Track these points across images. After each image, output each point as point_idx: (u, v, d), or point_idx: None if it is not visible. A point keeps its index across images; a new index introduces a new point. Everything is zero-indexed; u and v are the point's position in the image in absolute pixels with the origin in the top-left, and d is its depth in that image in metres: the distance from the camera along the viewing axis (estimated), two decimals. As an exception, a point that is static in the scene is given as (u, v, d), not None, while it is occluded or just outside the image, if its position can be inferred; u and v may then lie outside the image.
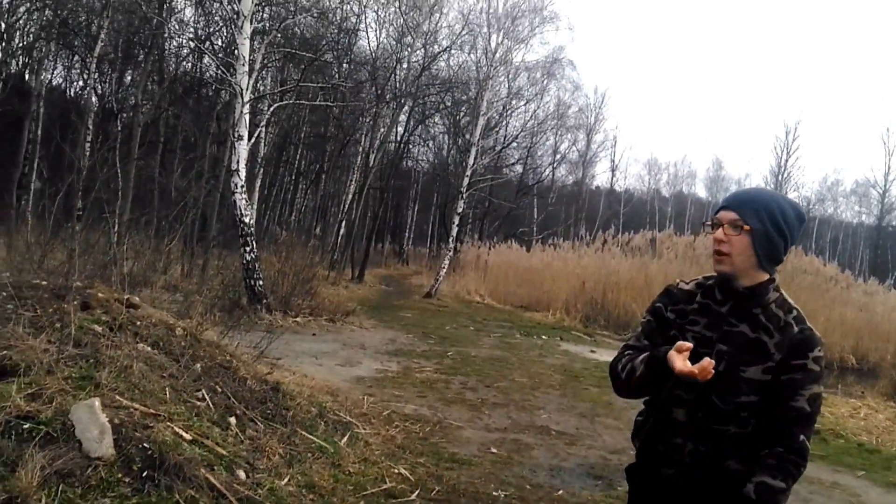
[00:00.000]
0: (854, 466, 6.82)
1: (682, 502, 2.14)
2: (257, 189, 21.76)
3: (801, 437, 2.02)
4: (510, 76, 29.56)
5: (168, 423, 4.26)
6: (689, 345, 1.99)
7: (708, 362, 1.95)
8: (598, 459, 6.12)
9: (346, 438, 5.47)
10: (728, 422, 2.08)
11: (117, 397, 4.20)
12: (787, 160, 61.21)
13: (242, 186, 12.63)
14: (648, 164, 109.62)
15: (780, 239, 2.12)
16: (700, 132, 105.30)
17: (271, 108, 18.23)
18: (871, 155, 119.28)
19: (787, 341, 2.07)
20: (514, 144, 37.48)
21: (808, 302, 18.56)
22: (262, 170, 22.39)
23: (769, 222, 2.10)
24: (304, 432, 5.26)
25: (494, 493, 4.91)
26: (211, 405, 4.87)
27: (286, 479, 4.47)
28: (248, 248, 12.41)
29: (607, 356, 12.44)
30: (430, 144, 39.80)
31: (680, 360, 1.98)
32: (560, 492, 5.17)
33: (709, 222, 2.17)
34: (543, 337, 14.80)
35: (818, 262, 21.74)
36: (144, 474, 3.68)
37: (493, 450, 6.03)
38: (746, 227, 2.08)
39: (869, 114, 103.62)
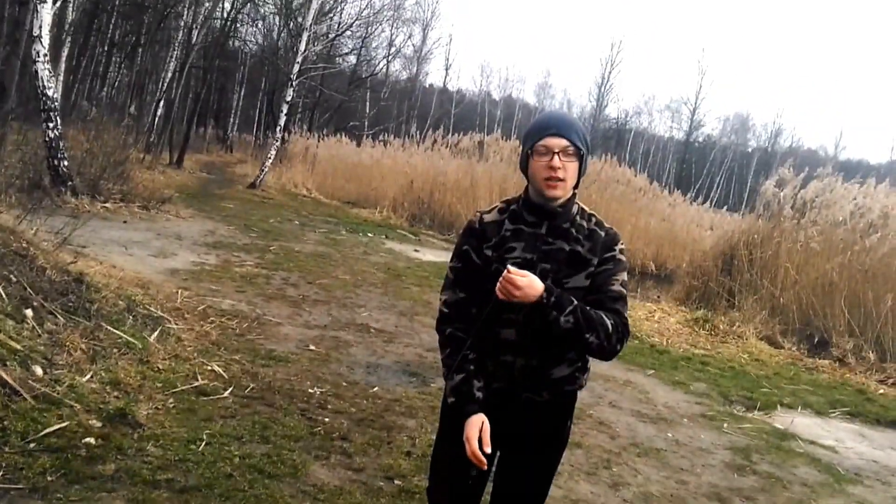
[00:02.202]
0: (645, 366, 7.42)
1: (508, 410, 2.26)
2: (64, 59, 19.76)
3: (625, 314, 2.21)
4: (346, -43, 28.39)
5: (-49, 316, 3.90)
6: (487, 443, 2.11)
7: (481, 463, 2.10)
8: (415, 357, 6.28)
9: (156, 334, 5.25)
10: None
11: None
12: (610, 72, 64.25)
13: (46, 55, 11.42)
14: (481, 66, 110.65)
15: (587, 159, 2.24)
16: (531, 39, 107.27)
17: (81, -30, 16.46)
18: (685, 74, 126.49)
19: (598, 245, 2.23)
20: (349, 33, 36.27)
21: (618, 210, 19.71)
22: (69, 38, 20.30)
23: (586, 145, 2.21)
24: (109, 327, 4.99)
25: (310, 391, 4.92)
26: (3, 296, 4.49)
27: (88, 376, 4.24)
28: (51, 125, 11.34)
29: (431, 256, 12.70)
30: (260, 25, 37.71)
31: (472, 443, 2.11)
32: (375, 388, 5.26)
33: (543, 152, 2.17)
34: (369, 234, 14.82)
35: (630, 173, 22.91)
36: (-79, 372, 3.36)
37: (312, 347, 6.02)
38: (581, 153, 2.18)
39: (687, 35, 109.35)
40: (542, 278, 2.14)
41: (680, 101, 67.04)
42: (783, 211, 11.61)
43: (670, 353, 8.24)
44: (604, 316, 2.14)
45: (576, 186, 2.24)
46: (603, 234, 2.25)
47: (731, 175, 64.15)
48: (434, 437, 2.52)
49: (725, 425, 5.88)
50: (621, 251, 2.27)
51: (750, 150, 68.08)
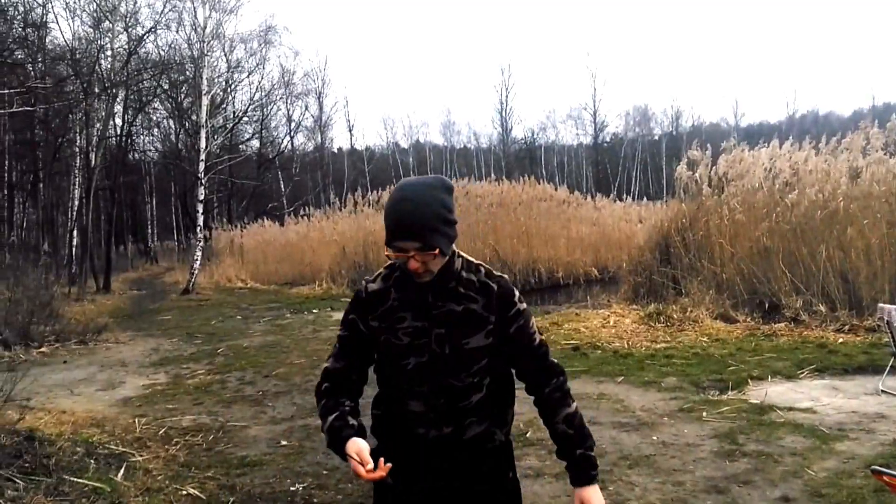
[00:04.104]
0: (613, 374, 7.46)
1: (429, 481, 2.18)
2: (-36, 212, 19.24)
3: (554, 360, 2.24)
4: (227, 50, 28.66)
5: None
6: (368, 462, 1.94)
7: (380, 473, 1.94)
8: (389, 425, 6.18)
9: (122, 472, 5.06)
10: (469, 394, 2.15)
11: None
12: (507, 96, 66.16)
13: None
14: (383, 119, 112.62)
15: (453, 227, 2.07)
16: (427, 82, 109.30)
17: (-39, 121, 16.12)
18: (578, 80, 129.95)
19: (493, 300, 2.13)
20: (246, 119, 36.55)
21: (548, 227, 20.04)
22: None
23: (444, 225, 2.03)
24: (72, 478, 4.79)
25: (292, 488, 4.79)
26: (-47, 478, 4.28)
27: (62, 536, 4.06)
28: (-35, 283, 10.99)
29: (379, 317, 12.58)
30: (156, 132, 37.65)
31: (363, 457, 1.95)
32: (358, 468, 5.15)
33: (398, 250, 2.02)
34: (314, 311, 14.68)
35: (550, 188, 23.34)
36: None
37: (284, 442, 5.88)
38: (435, 252, 2.01)
39: (570, 42, 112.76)
40: (440, 343, 2.08)
41: (580, 108, 69.07)
42: (702, 190, 11.95)
43: (634, 355, 8.32)
44: (571, 410, 2.22)
45: (452, 246, 2.12)
46: (496, 286, 2.14)
47: (646, 166, 65.88)
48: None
49: (705, 414, 5.93)
50: (519, 300, 2.17)
51: (657, 137, 70.07)
